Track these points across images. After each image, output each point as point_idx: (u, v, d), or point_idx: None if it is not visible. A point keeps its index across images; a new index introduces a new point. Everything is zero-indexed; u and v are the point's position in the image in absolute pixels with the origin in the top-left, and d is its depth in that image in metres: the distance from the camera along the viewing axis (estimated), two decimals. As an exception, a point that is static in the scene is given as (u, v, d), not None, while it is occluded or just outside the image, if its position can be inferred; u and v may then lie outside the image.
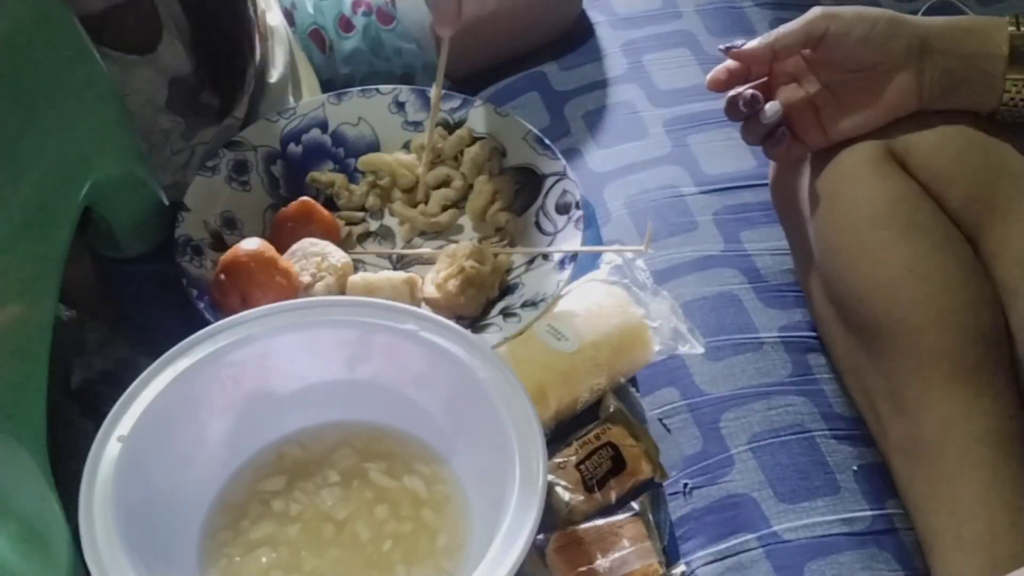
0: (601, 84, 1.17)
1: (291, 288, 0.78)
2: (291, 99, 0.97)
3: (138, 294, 0.88)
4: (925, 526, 0.75)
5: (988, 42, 0.77)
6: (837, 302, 0.82)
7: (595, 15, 1.26)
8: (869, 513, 0.80)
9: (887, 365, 0.77)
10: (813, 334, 0.91)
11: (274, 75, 0.95)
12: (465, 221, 0.90)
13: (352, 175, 0.92)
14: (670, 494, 0.80)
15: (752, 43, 0.80)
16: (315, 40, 1.06)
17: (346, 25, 1.05)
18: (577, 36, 1.23)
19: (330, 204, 0.90)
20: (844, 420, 0.85)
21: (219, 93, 0.90)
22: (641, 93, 1.15)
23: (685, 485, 0.81)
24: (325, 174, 0.90)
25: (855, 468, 0.82)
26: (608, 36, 1.23)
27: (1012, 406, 0.74)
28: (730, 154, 1.07)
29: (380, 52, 1.05)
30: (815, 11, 0.79)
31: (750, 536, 0.78)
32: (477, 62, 1.12)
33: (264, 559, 0.65)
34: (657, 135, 1.10)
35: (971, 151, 0.78)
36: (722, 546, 0.78)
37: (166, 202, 0.84)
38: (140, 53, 0.85)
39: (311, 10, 1.06)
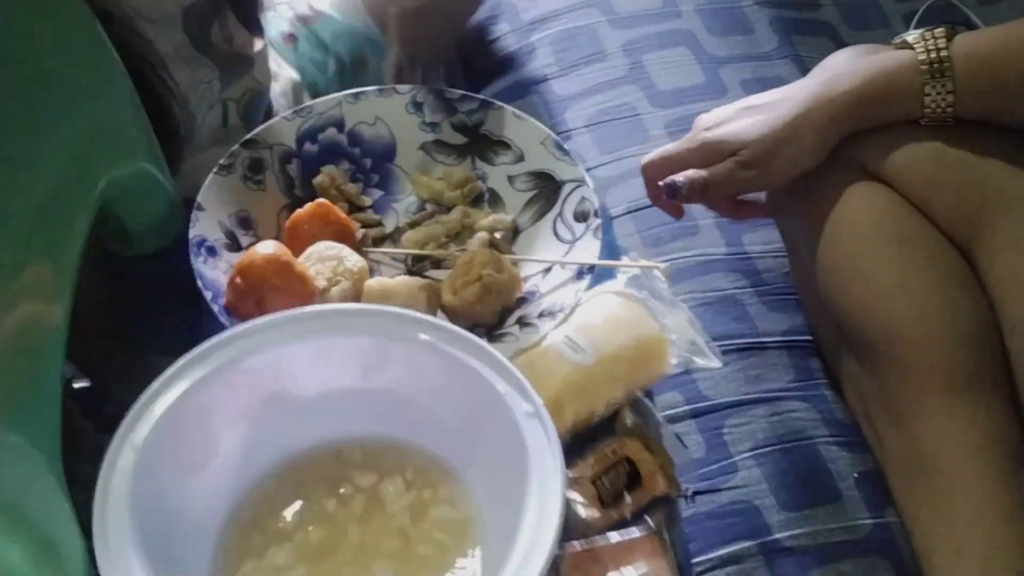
0: (602, 87, 1.17)
1: (307, 293, 0.77)
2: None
3: (148, 292, 0.88)
4: (922, 539, 0.75)
5: (899, 94, 0.78)
6: (834, 317, 0.82)
7: (595, 15, 1.25)
8: (870, 521, 0.80)
9: (882, 379, 0.78)
10: (814, 339, 0.91)
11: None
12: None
13: (368, 175, 0.91)
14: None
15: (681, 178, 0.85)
16: None
17: (289, 39, 1.06)
18: (578, 37, 1.23)
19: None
20: (845, 426, 0.86)
21: None
22: (642, 95, 1.16)
23: (687, 490, 0.81)
24: (323, 177, 0.89)
25: (856, 475, 0.83)
26: (608, 36, 1.23)
27: (1008, 418, 0.74)
28: (731, 155, 1.07)
29: (322, 47, 1.06)
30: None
31: (752, 543, 0.79)
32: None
33: (278, 572, 0.64)
34: (658, 138, 1.11)
35: (944, 169, 0.78)
36: (723, 552, 0.78)
37: (179, 199, 0.83)
38: None
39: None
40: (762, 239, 0.99)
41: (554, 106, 1.16)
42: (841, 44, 1.16)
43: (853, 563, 0.78)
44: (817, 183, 0.81)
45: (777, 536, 0.79)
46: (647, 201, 1.01)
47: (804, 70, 1.10)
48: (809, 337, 0.92)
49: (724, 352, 0.89)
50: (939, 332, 0.74)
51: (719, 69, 1.18)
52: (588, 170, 1.05)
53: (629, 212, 1.02)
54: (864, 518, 0.81)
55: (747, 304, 0.94)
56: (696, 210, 1.01)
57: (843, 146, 0.80)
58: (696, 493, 0.81)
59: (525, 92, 1.18)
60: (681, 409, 0.85)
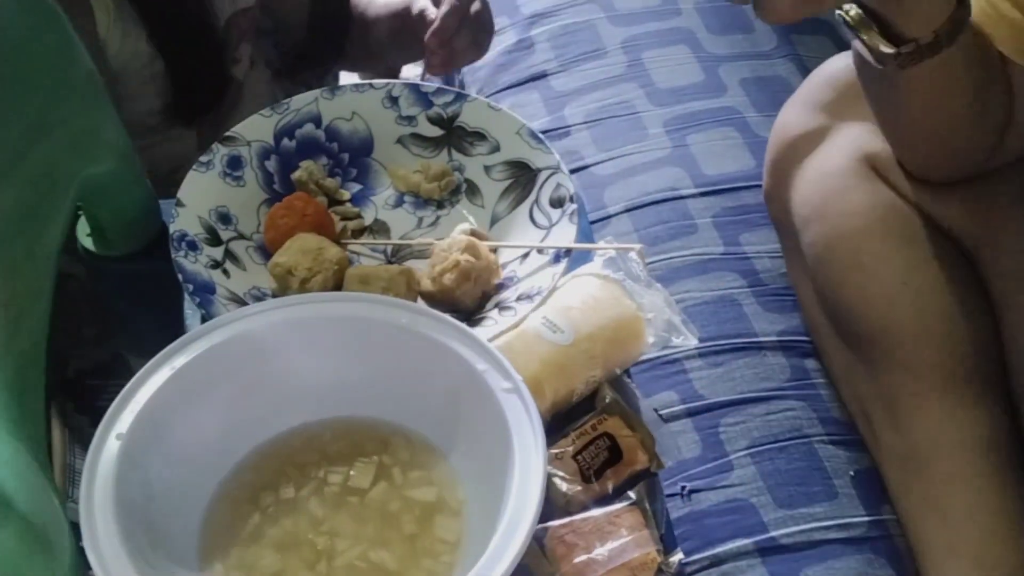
0: (601, 84, 1.18)
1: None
2: None
3: (128, 292, 0.88)
4: (917, 534, 0.76)
5: None
6: (830, 313, 0.83)
7: (595, 11, 1.26)
8: (865, 519, 0.80)
9: (880, 375, 0.78)
10: (811, 338, 0.91)
11: None
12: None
13: (346, 170, 0.92)
14: (668, 495, 0.80)
15: None
16: None
17: None
18: (577, 33, 1.23)
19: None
20: (841, 425, 0.86)
21: None
22: (641, 92, 1.16)
23: (683, 488, 0.81)
24: (302, 172, 0.90)
25: (852, 473, 0.83)
26: (608, 33, 1.24)
27: (1003, 415, 0.74)
28: (729, 154, 1.08)
29: None
30: None
31: (747, 541, 0.79)
32: None
33: (264, 555, 0.65)
34: (657, 136, 1.11)
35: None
36: (719, 550, 0.78)
37: (154, 200, 0.84)
38: None
39: None
40: (759, 238, 1.00)
41: (553, 102, 1.16)
42: (841, 44, 1.17)
43: (848, 560, 0.79)
44: (823, 178, 0.80)
45: (773, 534, 0.79)
46: (645, 199, 1.02)
47: (804, 69, 1.11)
48: (805, 337, 0.92)
49: (720, 351, 0.90)
50: (939, 330, 0.75)
51: (718, 68, 1.19)
52: (586, 167, 1.07)
53: (627, 210, 1.02)
54: (860, 516, 0.81)
55: (743, 304, 0.95)
56: (694, 209, 1.02)
57: (850, 139, 0.79)
58: (692, 491, 0.81)
59: (524, 87, 1.18)
60: (677, 408, 0.86)
